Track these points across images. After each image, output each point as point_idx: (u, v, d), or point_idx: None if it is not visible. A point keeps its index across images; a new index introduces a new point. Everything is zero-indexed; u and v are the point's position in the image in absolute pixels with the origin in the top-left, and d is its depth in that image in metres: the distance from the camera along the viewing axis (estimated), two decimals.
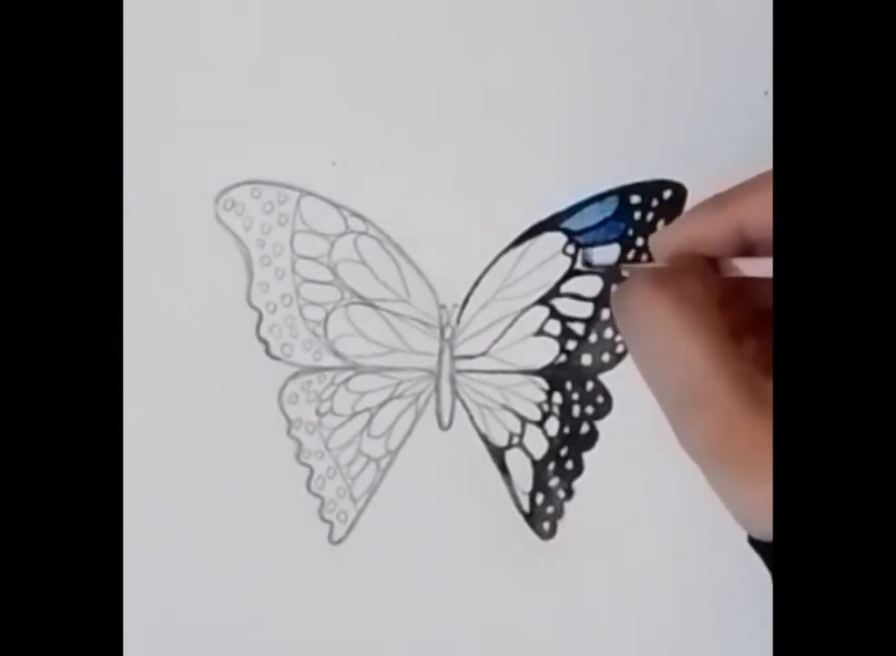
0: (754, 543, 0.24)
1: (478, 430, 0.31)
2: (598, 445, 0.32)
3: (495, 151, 0.31)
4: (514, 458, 0.32)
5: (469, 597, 0.32)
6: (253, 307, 0.31)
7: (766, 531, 0.22)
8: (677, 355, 0.24)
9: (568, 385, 0.31)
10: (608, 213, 0.31)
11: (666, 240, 0.27)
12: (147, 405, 0.31)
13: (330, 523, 0.32)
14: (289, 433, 0.31)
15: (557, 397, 0.32)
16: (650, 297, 0.24)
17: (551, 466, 0.32)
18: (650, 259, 0.31)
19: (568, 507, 0.32)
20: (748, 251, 0.26)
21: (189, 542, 0.32)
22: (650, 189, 0.31)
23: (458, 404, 0.31)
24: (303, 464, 0.31)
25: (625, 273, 0.31)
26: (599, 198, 0.31)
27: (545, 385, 0.31)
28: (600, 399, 0.31)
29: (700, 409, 0.23)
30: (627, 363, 0.31)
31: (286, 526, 0.31)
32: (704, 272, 0.25)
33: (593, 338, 0.31)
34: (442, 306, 0.31)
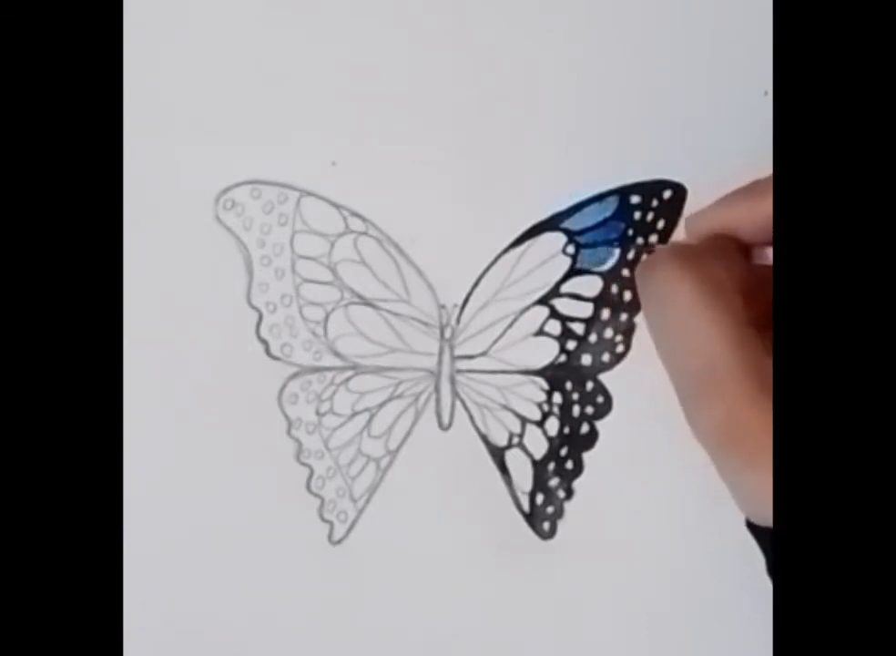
0: (752, 527, 0.24)
1: (478, 430, 0.31)
2: (598, 445, 0.32)
3: (495, 151, 0.31)
4: (514, 458, 0.32)
5: (469, 597, 0.32)
6: (253, 307, 0.31)
7: (769, 518, 0.22)
8: (693, 336, 0.24)
9: (568, 385, 0.31)
10: (608, 213, 0.31)
11: (700, 222, 0.27)
12: (147, 405, 0.31)
13: (330, 523, 0.32)
14: (289, 433, 0.31)
15: (557, 397, 0.32)
16: (674, 273, 0.25)
17: (551, 466, 0.32)
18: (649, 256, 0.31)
19: (568, 507, 0.32)
20: None
21: (189, 542, 0.31)
22: (650, 189, 0.31)
23: (458, 404, 0.31)
24: (303, 464, 0.31)
25: (625, 273, 0.31)
26: (599, 198, 0.31)
27: (545, 385, 0.31)
28: (600, 399, 0.31)
29: (710, 392, 0.23)
30: (627, 363, 0.31)
31: (286, 526, 0.31)
32: (731, 257, 0.25)
33: (593, 338, 0.31)
34: (443, 306, 0.31)
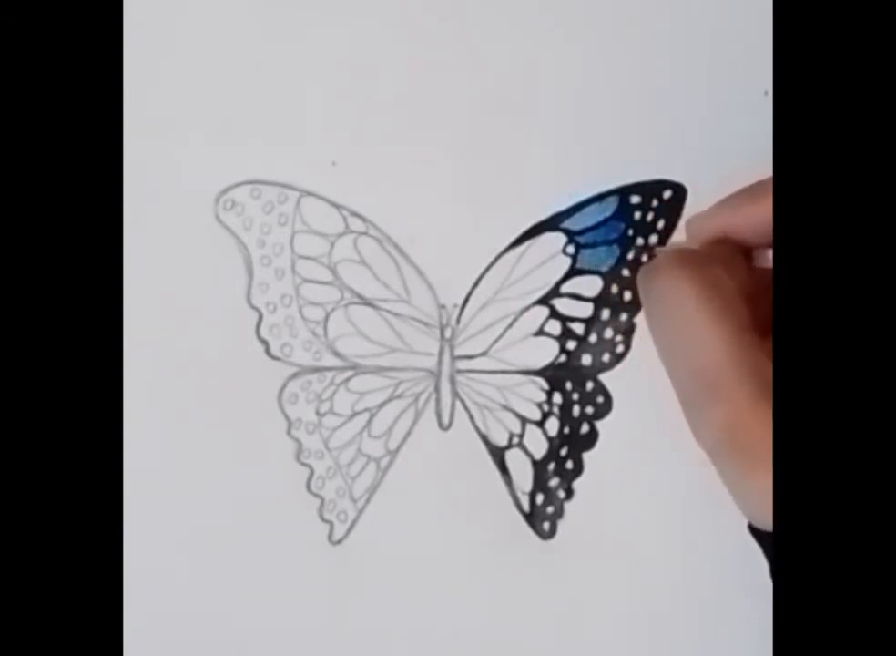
0: (754, 532, 0.24)
1: (478, 430, 0.31)
2: (598, 445, 0.32)
3: (495, 151, 0.31)
4: (514, 458, 0.32)
5: (469, 597, 0.32)
6: (253, 307, 0.31)
7: (770, 522, 0.22)
8: (696, 341, 0.24)
9: (568, 385, 0.31)
10: (608, 213, 0.31)
11: (700, 225, 0.27)
12: (147, 406, 0.31)
13: (330, 523, 0.32)
14: (289, 433, 0.31)
15: (557, 397, 0.31)
16: (675, 279, 0.24)
17: (551, 466, 0.32)
18: (650, 259, 0.31)
19: (568, 507, 0.32)
20: None
21: (189, 542, 0.31)
22: (650, 189, 0.31)
23: (458, 404, 0.31)
24: (303, 464, 0.31)
25: (625, 273, 0.31)
26: (599, 198, 0.31)
27: (545, 385, 0.31)
28: (600, 399, 0.31)
29: (712, 398, 0.23)
30: (627, 363, 0.31)
31: (286, 526, 0.31)
32: (733, 261, 0.25)
33: (593, 338, 0.31)
34: (443, 306, 0.31)
